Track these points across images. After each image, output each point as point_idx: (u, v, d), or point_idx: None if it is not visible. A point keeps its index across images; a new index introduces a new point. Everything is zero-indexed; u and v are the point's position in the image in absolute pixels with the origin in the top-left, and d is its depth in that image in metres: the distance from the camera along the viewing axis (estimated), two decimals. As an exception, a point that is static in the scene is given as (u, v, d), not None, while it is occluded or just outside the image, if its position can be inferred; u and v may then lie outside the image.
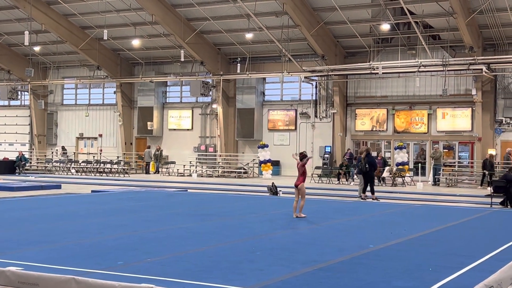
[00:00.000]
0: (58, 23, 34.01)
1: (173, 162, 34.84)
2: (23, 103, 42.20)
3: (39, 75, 38.58)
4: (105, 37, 31.25)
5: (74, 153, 39.37)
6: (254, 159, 33.30)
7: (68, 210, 14.75)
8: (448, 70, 28.72)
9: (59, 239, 9.98)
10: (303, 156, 13.48)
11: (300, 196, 13.34)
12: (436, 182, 27.60)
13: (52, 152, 39.39)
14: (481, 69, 27.84)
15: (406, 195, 22.45)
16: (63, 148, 39.22)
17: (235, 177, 32.35)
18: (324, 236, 10.99)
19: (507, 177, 18.32)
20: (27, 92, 40.44)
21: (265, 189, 21.63)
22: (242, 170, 33.08)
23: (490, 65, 28.33)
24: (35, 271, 7.19)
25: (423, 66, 29.08)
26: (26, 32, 29.30)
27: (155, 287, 6.45)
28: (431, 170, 28.69)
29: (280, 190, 20.91)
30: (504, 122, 29.38)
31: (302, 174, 13.39)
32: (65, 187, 23.20)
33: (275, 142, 34.63)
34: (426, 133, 31.14)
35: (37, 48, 37.03)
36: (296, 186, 13.34)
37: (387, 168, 28.04)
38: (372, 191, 19.96)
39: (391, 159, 30.48)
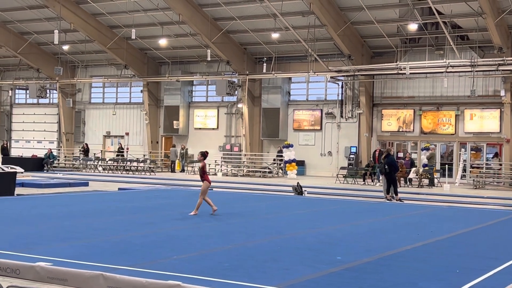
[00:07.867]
0: (87, 22, 34.44)
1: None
2: (51, 101, 42.82)
3: (67, 73, 39.05)
4: (133, 37, 31.52)
5: (101, 151, 39.78)
6: (279, 159, 33.25)
7: (96, 207, 14.91)
8: (476, 71, 28.39)
9: (87, 236, 10.10)
10: None
11: None
12: (430, 183, 26.90)
13: (80, 150, 39.83)
14: (510, 70, 27.48)
15: (433, 196, 22.25)
16: (86, 145, 39.68)
17: (260, 176, 32.38)
18: (349, 236, 10.96)
19: None
20: (56, 90, 40.97)
21: (290, 189, 21.60)
22: (267, 170, 33.09)
23: (519, 66, 27.94)
24: (64, 266, 7.28)
25: (451, 66, 28.80)
26: (56, 31, 29.80)
27: (182, 284, 6.51)
28: (458, 171, 28.41)
29: (305, 190, 20.86)
30: (533, 123, 28.94)
31: None
32: (92, 184, 23.45)
33: (300, 142, 34.59)
34: (453, 134, 30.83)
35: (66, 47, 37.53)
36: None
37: (413, 169, 27.82)
38: (395, 192, 19.78)
39: (417, 160, 30.22)
